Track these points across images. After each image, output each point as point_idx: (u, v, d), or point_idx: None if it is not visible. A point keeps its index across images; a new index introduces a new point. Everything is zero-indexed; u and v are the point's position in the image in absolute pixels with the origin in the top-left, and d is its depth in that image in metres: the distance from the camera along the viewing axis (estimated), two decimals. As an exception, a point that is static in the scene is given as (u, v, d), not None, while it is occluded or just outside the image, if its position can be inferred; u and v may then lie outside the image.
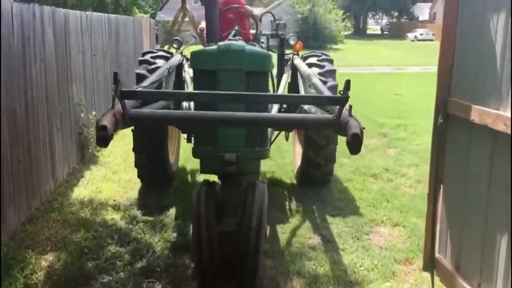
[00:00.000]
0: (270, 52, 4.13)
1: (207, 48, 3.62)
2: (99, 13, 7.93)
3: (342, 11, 44.43)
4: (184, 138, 5.37)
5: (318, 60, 5.41)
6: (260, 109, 3.31)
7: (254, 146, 3.39)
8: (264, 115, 3.10)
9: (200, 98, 3.24)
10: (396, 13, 70.83)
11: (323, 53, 5.76)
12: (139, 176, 5.49)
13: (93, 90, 7.27)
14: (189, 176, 6.24)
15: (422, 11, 75.46)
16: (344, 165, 6.66)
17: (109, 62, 8.58)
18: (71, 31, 6.12)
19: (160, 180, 5.49)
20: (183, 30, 14.07)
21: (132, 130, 5.13)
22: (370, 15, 72.55)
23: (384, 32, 69.66)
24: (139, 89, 3.16)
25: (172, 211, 4.92)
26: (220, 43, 3.52)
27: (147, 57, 5.43)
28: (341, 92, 2.64)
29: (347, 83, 2.59)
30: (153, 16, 38.67)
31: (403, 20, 69.80)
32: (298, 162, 5.95)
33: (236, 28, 5.38)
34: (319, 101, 3.23)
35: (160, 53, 5.59)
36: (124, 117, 2.64)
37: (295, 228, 4.63)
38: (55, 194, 5.23)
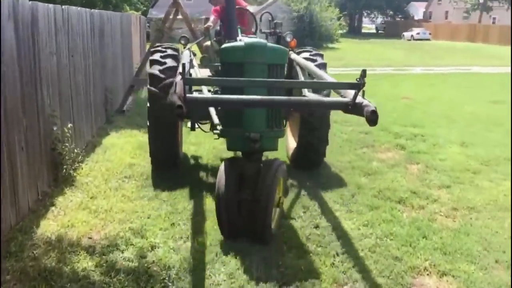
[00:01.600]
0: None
1: (235, 44, 4.25)
2: (79, 8, 6.90)
3: (338, 9, 43.49)
4: (188, 127, 5.59)
5: (310, 55, 6.01)
6: (279, 94, 4.12)
7: (273, 127, 4.17)
8: (296, 99, 3.92)
9: (250, 84, 3.83)
10: (391, 12, 70.04)
11: (313, 49, 6.31)
12: (152, 162, 5.97)
13: (70, 97, 6.24)
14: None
15: (417, 10, 74.79)
16: (364, 187, 5.70)
17: (91, 64, 7.55)
18: (41, 28, 5.09)
19: (171, 165, 5.96)
20: (175, 28, 13.02)
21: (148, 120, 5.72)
22: (365, 14, 71.67)
23: (379, 31, 68.82)
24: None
25: (160, 252, 3.92)
26: (246, 40, 4.19)
27: (157, 56, 5.79)
28: (358, 79, 3.36)
29: (364, 71, 3.35)
30: (145, 13, 37.49)
31: (398, 19, 69.03)
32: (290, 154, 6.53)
33: (239, 27, 5.63)
34: (341, 86, 3.80)
35: (169, 51, 5.94)
36: (185, 100, 3.17)
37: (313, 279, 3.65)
38: (15, 230, 4.20)
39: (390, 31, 61.49)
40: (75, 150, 5.76)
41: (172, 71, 5.58)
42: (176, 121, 5.68)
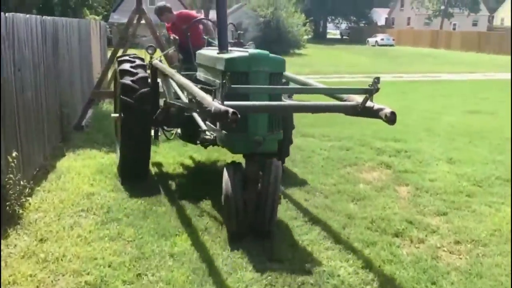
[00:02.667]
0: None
1: (240, 55, 4.54)
2: (28, 15, 6.06)
3: (304, 15, 43.39)
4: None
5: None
6: (277, 100, 4.53)
7: (273, 130, 4.50)
8: (311, 104, 4.36)
9: (281, 91, 4.73)
10: (354, 18, 70.82)
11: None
12: (122, 174, 6.05)
13: (16, 117, 5.40)
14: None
15: (379, 16, 75.96)
16: (354, 216, 5.11)
17: (43, 77, 6.70)
18: (-23, 39, 4.28)
19: (142, 175, 6.08)
20: (139, 35, 12.25)
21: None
22: (329, 20, 72.22)
23: (344, 37, 69.40)
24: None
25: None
26: (250, 51, 4.57)
27: (126, 66, 5.98)
28: (370, 85, 3.86)
29: (377, 78, 3.87)
30: (106, 17, 36.20)
31: (362, 25, 69.81)
32: None
33: (207, 37, 6.45)
34: (355, 91, 4.23)
35: (138, 61, 6.15)
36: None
37: None
38: None
39: (355, 37, 62.04)
40: (22, 182, 4.92)
41: (144, 81, 5.84)
42: (149, 130, 6.02)
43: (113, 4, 42.45)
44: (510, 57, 28.91)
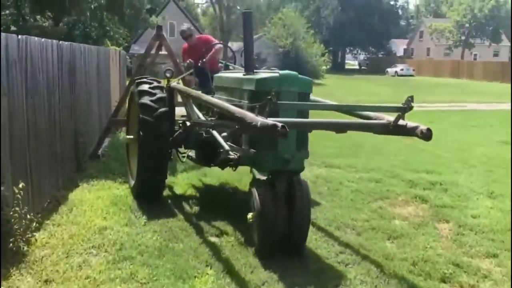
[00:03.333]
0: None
1: (271, 75, 4.72)
2: (44, 39, 5.80)
3: (323, 45, 43.45)
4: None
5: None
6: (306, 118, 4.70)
7: (301, 149, 4.65)
8: (344, 121, 4.64)
9: (332, 108, 5.07)
10: (373, 49, 70.81)
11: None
12: (138, 194, 6.12)
13: (27, 147, 5.05)
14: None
15: (397, 47, 75.87)
16: (392, 256, 4.59)
17: (58, 105, 6.40)
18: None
19: (159, 195, 6.22)
20: (158, 62, 12.04)
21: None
22: (348, 50, 72.30)
23: (362, 67, 69.23)
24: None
25: None
26: (281, 72, 4.69)
27: (145, 87, 6.14)
28: (403, 103, 4.02)
29: (411, 97, 4.00)
30: (126, 49, 36.59)
31: (381, 55, 69.67)
32: None
33: (225, 62, 7.08)
34: (389, 110, 4.38)
35: (155, 83, 6.31)
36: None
37: None
38: None
39: (373, 67, 61.78)
40: (29, 215, 4.53)
41: (162, 101, 5.96)
42: (167, 149, 5.99)
43: (134, 35, 43.11)
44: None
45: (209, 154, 5.76)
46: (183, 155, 6.47)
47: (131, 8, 28.02)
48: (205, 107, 5.93)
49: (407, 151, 10.14)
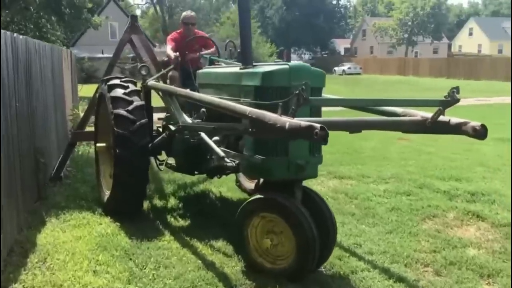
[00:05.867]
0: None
1: (280, 67, 3.89)
2: (-5, 28, 4.20)
3: (270, 44, 42.73)
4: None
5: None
6: (319, 116, 3.98)
7: (314, 153, 4.03)
8: (375, 119, 3.81)
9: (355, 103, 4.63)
10: (317, 49, 71.16)
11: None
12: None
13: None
14: None
15: (339, 47, 76.69)
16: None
17: (15, 117, 4.79)
18: None
19: (137, 212, 5.43)
20: (121, 61, 10.45)
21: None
22: (293, 50, 72.25)
23: (308, 67, 69.23)
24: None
25: None
26: (291, 64, 3.87)
27: (119, 93, 5.21)
28: (446, 96, 3.54)
29: (456, 88, 3.55)
30: (65, 52, 33.99)
31: (326, 55, 70.04)
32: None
33: (210, 56, 6.02)
34: (432, 104, 3.71)
35: (131, 86, 5.39)
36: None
37: None
38: None
39: (320, 67, 59.95)
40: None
41: (141, 111, 5.16)
42: (147, 164, 5.29)
43: (71, 39, 40.25)
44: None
45: (194, 161, 5.22)
46: (161, 162, 5.77)
47: (71, 7, 25.79)
48: (193, 107, 5.02)
49: (412, 154, 9.17)
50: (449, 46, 71.27)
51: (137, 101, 5.22)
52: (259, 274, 3.98)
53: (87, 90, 15.99)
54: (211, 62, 6.12)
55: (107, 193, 5.51)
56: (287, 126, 2.94)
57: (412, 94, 26.35)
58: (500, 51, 66.50)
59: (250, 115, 3.33)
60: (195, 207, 5.81)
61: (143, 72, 5.62)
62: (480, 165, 8.06)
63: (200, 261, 4.23)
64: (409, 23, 56.54)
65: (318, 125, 2.78)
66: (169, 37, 6.41)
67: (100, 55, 37.99)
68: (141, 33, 6.89)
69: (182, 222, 5.32)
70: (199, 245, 4.61)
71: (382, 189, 6.56)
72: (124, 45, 6.88)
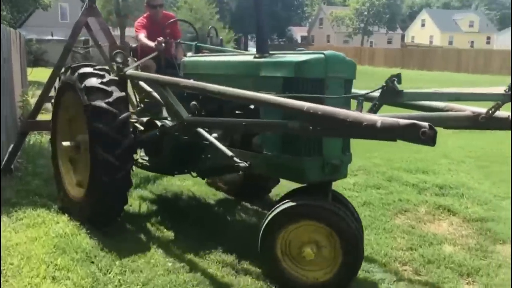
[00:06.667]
0: None
1: (314, 57, 3.51)
2: None
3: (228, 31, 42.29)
4: None
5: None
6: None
7: (345, 152, 3.73)
8: (423, 114, 3.48)
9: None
10: (275, 36, 71.06)
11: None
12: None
13: None
14: None
15: (296, 35, 76.96)
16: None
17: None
18: None
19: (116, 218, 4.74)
20: (77, 46, 9.90)
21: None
22: (250, 38, 71.85)
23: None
24: None
25: None
26: (326, 53, 3.49)
27: (95, 82, 4.44)
28: (506, 89, 3.34)
29: None
30: (12, 33, 32.20)
31: (283, 43, 70.09)
32: None
33: (196, 43, 5.39)
34: (490, 98, 3.55)
35: (107, 75, 4.60)
36: None
37: None
38: None
39: (277, 54, 61.72)
40: None
41: (123, 103, 4.47)
42: (131, 166, 4.59)
43: (18, 19, 38.25)
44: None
45: (183, 161, 4.71)
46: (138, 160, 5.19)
47: (18, -14, 24.47)
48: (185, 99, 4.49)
49: (375, 145, 9.00)
50: (403, 36, 72.90)
51: (117, 92, 4.50)
52: (233, 276, 3.76)
53: (37, 74, 15.17)
54: (198, 50, 5.52)
55: (73, 197, 4.94)
56: (379, 124, 2.55)
57: (369, 84, 26.62)
58: (450, 43, 68.63)
59: (320, 113, 2.87)
60: (161, 204, 5.50)
61: (119, 60, 4.88)
62: (444, 157, 8.12)
63: (170, 264, 3.95)
64: (365, 13, 57.35)
65: (425, 124, 2.40)
66: (136, 25, 5.81)
67: (49, 37, 36.38)
68: (100, 15, 6.40)
69: (148, 221, 4.98)
70: (168, 246, 4.32)
71: (351, 182, 6.44)
72: (81, 28, 6.39)
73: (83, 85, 4.45)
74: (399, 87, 3.14)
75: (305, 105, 2.97)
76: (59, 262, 3.86)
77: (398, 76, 3.13)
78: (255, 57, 3.89)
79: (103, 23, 6.49)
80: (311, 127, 3.07)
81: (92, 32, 7.23)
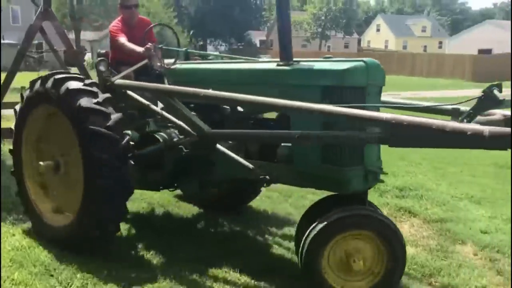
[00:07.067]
0: None
1: (355, 64, 3.44)
2: None
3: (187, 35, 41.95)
4: None
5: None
6: None
7: (379, 159, 3.75)
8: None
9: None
10: (233, 40, 71.11)
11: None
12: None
13: None
14: None
15: (254, 39, 77.24)
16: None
17: None
18: None
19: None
20: (31, 50, 9.57)
21: None
22: (209, 41, 71.66)
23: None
24: None
25: None
26: (366, 59, 3.46)
27: (76, 85, 4.03)
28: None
29: None
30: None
31: (241, 46, 70.23)
32: None
33: (186, 49, 5.03)
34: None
35: (87, 79, 4.21)
36: None
37: None
38: None
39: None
40: None
41: (111, 104, 4.05)
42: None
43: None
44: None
45: (184, 173, 4.47)
46: None
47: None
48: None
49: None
50: (359, 41, 74.53)
51: (103, 94, 4.07)
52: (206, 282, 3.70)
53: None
54: (187, 56, 5.07)
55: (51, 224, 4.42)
56: (486, 133, 2.45)
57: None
58: (404, 47, 70.65)
59: (404, 123, 2.74)
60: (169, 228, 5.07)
61: (102, 68, 4.42)
62: (401, 159, 8.30)
63: (133, 275, 3.84)
64: (323, 17, 58.35)
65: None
66: (113, 29, 5.22)
67: (1, 41, 35.15)
68: (55, 19, 6.21)
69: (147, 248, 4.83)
70: (130, 256, 4.21)
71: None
72: (35, 32, 6.19)
73: (76, 104, 3.92)
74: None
75: (384, 115, 2.85)
76: (16, 277, 3.69)
77: (499, 86, 3.01)
78: (278, 65, 3.77)
79: (59, 27, 6.30)
80: (392, 137, 2.93)
81: (47, 36, 7.01)
